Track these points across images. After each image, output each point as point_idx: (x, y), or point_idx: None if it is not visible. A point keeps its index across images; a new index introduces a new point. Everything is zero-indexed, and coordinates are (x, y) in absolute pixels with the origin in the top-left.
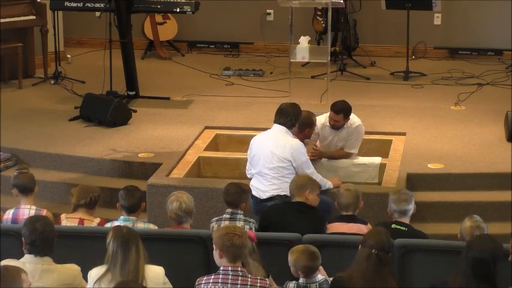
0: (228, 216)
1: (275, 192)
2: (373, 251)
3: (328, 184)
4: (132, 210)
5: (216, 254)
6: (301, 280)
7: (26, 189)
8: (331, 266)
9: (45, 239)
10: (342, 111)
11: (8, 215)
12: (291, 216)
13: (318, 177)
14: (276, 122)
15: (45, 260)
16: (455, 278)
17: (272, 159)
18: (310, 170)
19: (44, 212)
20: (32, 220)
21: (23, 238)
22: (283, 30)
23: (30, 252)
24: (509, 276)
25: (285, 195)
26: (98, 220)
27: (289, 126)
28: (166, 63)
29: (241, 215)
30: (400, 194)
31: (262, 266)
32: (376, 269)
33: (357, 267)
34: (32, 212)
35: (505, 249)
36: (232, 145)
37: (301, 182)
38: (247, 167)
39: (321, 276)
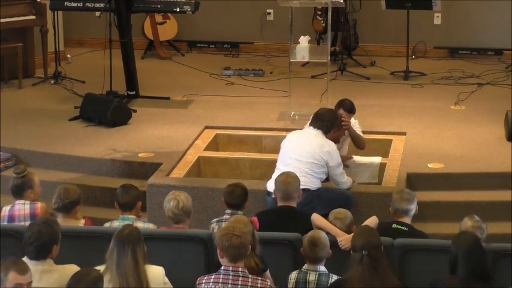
0: (228, 217)
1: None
2: (363, 252)
3: (350, 182)
4: (127, 207)
5: (218, 253)
6: (304, 267)
7: (16, 193)
8: (333, 267)
9: (41, 245)
10: (353, 109)
11: (5, 211)
12: (280, 223)
13: (345, 177)
14: (311, 125)
15: (46, 261)
16: (451, 279)
17: (306, 154)
18: (342, 172)
19: (38, 205)
20: (32, 224)
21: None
22: (283, 30)
23: (26, 255)
24: (509, 275)
25: (308, 189)
26: (82, 221)
27: (324, 131)
28: (166, 63)
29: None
30: (402, 193)
31: (259, 258)
32: (372, 270)
33: (353, 272)
34: (27, 207)
35: (504, 248)
36: (232, 145)
37: (295, 187)
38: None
39: (323, 268)
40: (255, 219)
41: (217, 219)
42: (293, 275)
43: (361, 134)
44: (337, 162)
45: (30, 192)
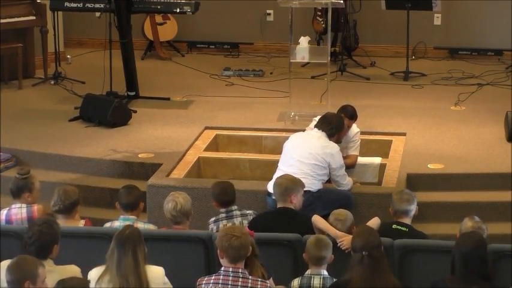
0: (224, 215)
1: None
2: (363, 253)
3: (350, 184)
4: (130, 208)
5: (218, 253)
6: (306, 272)
7: (15, 194)
8: (333, 269)
9: (42, 245)
10: (355, 116)
11: (2, 215)
12: (277, 225)
13: (347, 178)
14: (317, 127)
15: (46, 261)
16: (453, 280)
17: (308, 155)
18: (344, 174)
19: (35, 208)
20: (32, 224)
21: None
22: (283, 30)
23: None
24: (509, 275)
25: (308, 190)
26: (82, 222)
27: (329, 134)
28: (166, 64)
29: (237, 211)
30: (402, 194)
31: (263, 267)
32: (372, 270)
33: (353, 272)
34: (24, 210)
35: (504, 248)
36: (232, 145)
37: (284, 186)
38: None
39: (326, 272)
40: (248, 230)
41: (214, 219)
42: (295, 282)
43: (357, 151)
44: (340, 164)
45: (28, 196)
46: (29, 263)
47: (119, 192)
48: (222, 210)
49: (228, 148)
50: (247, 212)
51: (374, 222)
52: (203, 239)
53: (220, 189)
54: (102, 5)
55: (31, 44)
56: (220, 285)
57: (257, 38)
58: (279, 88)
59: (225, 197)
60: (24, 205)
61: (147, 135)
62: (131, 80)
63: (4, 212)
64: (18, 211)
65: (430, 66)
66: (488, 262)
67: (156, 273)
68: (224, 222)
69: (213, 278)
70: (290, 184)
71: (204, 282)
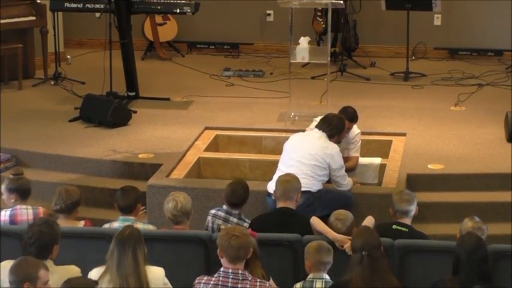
0: (223, 214)
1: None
2: (363, 253)
3: (350, 184)
4: (127, 210)
5: (218, 252)
6: (309, 276)
7: (26, 193)
8: (335, 268)
9: (42, 245)
10: (356, 118)
11: (5, 216)
12: (278, 225)
13: (347, 179)
14: (317, 127)
15: (46, 262)
16: (453, 280)
17: (308, 156)
18: (344, 175)
19: (41, 210)
20: (32, 224)
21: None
22: (283, 30)
23: (27, 255)
24: (509, 275)
25: (308, 191)
26: (82, 222)
27: (329, 135)
28: (166, 64)
29: (234, 217)
30: (402, 194)
31: (264, 270)
32: (372, 270)
33: (353, 272)
34: (30, 212)
35: (504, 248)
36: (233, 146)
37: (291, 184)
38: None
39: (327, 276)
40: (251, 231)
41: (214, 212)
42: (298, 286)
43: (358, 152)
44: (340, 165)
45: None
46: (30, 264)
47: (115, 193)
48: (225, 207)
49: (228, 148)
50: (245, 222)
51: (369, 221)
52: (203, 239)
53: (230, 189)
54: (102, 6)
55: (31, 44)
56: (219, 286)
57: (257, 38)
58: (279, 88)
59: (232, 198)
60: (29, 207)
61: (147, 136)
62: (131, 81)
63: (6, 212)
64: (24, 212)
65: (430, 67)
66: (488, 262)
67: (156, 273)
68: (220, 222)
69: (213, 279)
70: (297, 183)
71: (203, 281)
